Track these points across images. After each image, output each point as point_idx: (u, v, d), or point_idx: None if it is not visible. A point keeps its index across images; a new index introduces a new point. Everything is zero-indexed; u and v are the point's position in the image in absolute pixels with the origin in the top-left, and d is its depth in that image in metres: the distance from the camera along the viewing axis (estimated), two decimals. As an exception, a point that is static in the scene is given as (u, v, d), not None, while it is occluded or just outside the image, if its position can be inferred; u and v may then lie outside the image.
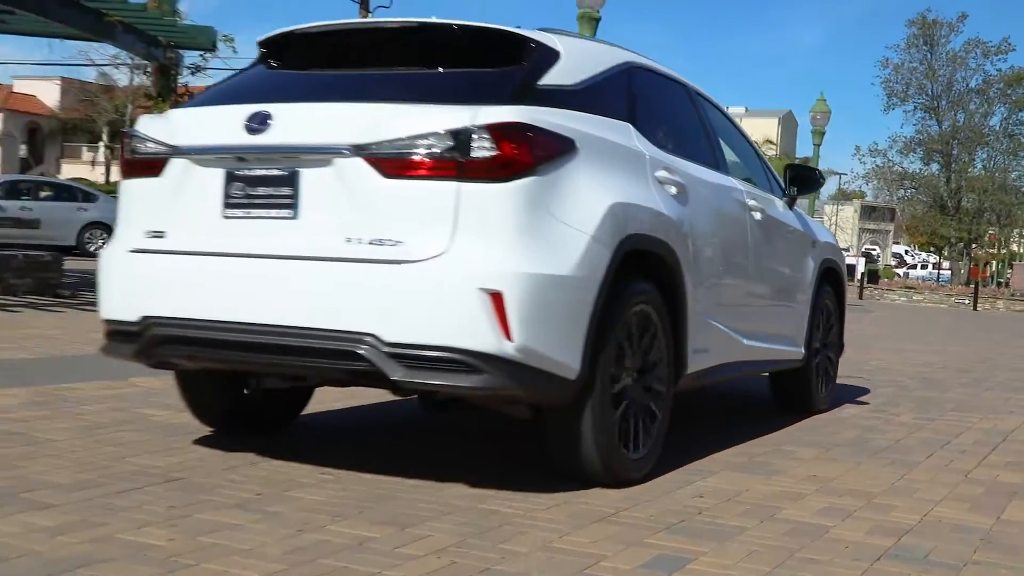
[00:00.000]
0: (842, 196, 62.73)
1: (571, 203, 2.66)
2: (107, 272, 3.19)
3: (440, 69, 2.87)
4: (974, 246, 39.31)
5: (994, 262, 49.80)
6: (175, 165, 3.03)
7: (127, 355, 3.13)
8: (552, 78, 2.92)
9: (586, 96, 3.02)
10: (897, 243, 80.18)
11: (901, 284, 30.75)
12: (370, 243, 2.65)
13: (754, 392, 6.03)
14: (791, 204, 4.86)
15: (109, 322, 3.19)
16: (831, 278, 5.30)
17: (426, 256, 2.58)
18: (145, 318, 3.03)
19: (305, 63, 3.26)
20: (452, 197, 2.55)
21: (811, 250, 5.01)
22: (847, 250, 64.48)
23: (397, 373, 2.62)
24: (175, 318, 2.95)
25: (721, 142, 4.16)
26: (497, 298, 2.48)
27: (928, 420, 5.89)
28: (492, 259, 2.50)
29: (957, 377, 8.48)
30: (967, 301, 26.28)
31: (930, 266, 61.05)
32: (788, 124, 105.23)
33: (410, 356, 2.59)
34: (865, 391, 7.22)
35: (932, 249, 51.36)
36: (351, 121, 2.70)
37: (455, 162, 2.57)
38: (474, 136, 2.56)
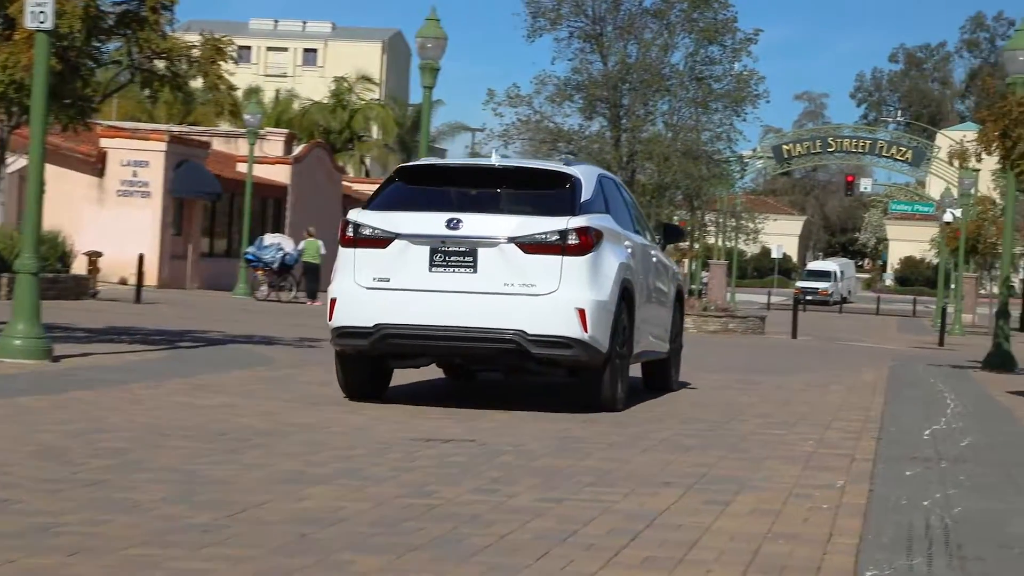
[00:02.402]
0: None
1: (606, 265, 10.37)
2: (346, 297, 10.49)
3: (530, 191, 10.80)
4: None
5: (685, 261, 54.84)
6: (397, 243, 10.39)
7: (362, 348, 10.50)
8: (582, 195, 10.51)
9: (594, 203, 10.59)
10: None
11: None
12: (518, 286, 10.19)
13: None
14: (663, 249, 12.71)
15: (346, 327, 10.42)
16: (680, 297, 13.36)
17: (547, 292, 10.13)
18: (378, 324, 10.31)
19: (444, 181, 11.23)
20: (558, 263, 10.15)
21: (672, 278, 12.87)
22: None
23: (535, 349, 10.13)
24: (400, 323, 10.35)
25: (631, 209, 11.59)
26: (582, 312, 10.11)
27: (554, 502, 6.28)
28: (578, 294, 10.14)
29: (606, 434, 9.25)
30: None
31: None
32: (397, 51, 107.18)
33: (540, 341, 10.10)
34: (476, 460, 7.70)
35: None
36: (505, 224, 10.24)
37: (559, 246, 10.15)
38: (568, 233, 10.18)
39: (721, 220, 59.93)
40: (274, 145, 46.96)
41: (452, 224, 10.31)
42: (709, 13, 36.65)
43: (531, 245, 10.26)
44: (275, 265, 35.90)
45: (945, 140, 63.97)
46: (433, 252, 10.36)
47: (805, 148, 67.28)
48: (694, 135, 37.90)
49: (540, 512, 6.04)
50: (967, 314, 48.41)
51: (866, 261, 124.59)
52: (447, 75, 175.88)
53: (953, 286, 50.68)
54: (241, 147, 42.75)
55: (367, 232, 10.51)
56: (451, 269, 10.36)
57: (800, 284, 77.64)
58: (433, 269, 10.37)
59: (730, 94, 37.34)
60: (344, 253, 10.68)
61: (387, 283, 10.44)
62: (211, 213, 41.84)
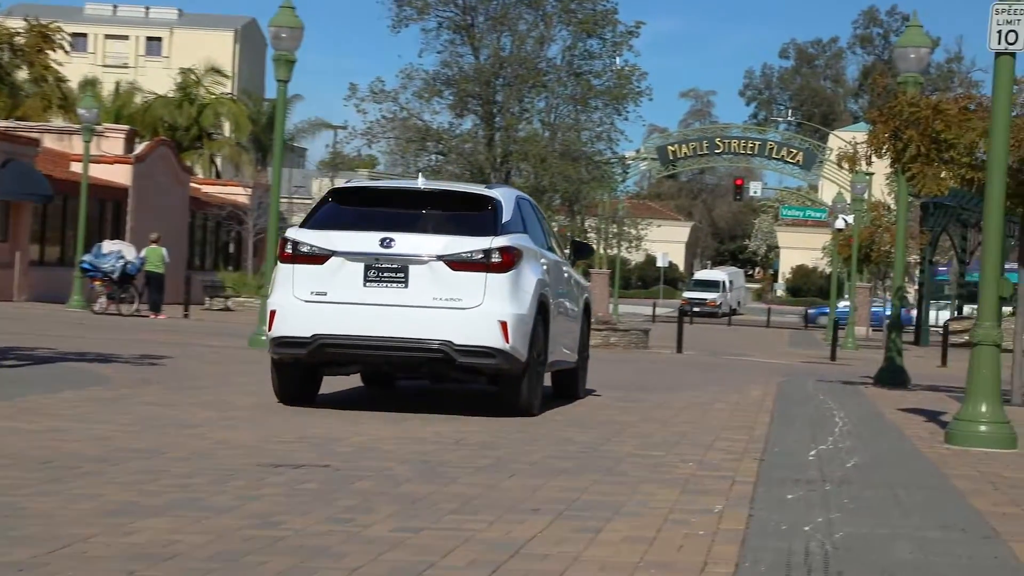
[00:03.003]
0: (339, 163, 65.52)
1: (525, 281, 12.24)
2: (286, 310, 12.20)
3: (456, 212, 12.56)
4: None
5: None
6: (334, 260, 12.17)
7: (299, 356, 12.24)
8: (503, 217, 12.43)
9: (513, 223, 12.52)
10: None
11: None
12: (446, 300, 11.98)
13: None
14: (572, 265, 14.90)
15: (285, 337, 12.16)
16: (587, 310, 15.22)
17: (473, 306, 11.96)
18: (316, 335, 12.04)
19: (374, 202, 12.96)
20: (483, 279, 12.00)
21: (581, 292, 15.04)
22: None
23: (461, 358, 11.95)
24: (337, 334, 12.09)
25: (545, 228, 14.03)
26: (504, 324, 11.93)
27: (412, 532, 6.28)
28: (501, 308, 11.99)
29: (475, 457, 9.31)
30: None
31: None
32: (251, 41, 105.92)
33: (466, 351, 11.92)
34: (330, 487, 7.71)
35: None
36: (434, 243, 12.08)
37: (484, 264, 12.01)
38: (492, 252, 12.03)
39: (603, 226, 60.50)
40: (113, 143, 46.21)
41: (385, 243, 12.14)
42: (588, 4, 36.90)
43: (458, 263, 12.14)
44: (115, 275, 35.33)
45: (838, 141, 65.35)
46: (367, 268, 12.20)
47: (691, 149, 68.38)
48: (573, 134, 38.06)
49: (397, 543, 6.05)
50: (860, 327, 49.58)
51: (756, 270, 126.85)
52: (306, 68, 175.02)
53: (847, 296, 51.85)
54: (76, 145, 41.99)
55: (305, 249, 12.31)
56: (384, 284, 12.18)
57: (687, 295, 78.82)
58: (367, 284, 12.19)
59: (611, 91, 37.67)
60: (283, 268, 12.50)
61: (324, 296, 12.23)
62: (42, 217, 41.02)
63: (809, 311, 69.82)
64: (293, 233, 12.50)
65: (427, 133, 37.22)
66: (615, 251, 63.67)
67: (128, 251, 36.06)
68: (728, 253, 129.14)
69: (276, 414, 11.74)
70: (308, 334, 12.10)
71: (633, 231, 70.09)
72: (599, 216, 59.45)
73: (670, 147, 68.47)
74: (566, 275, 14.33)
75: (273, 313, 12.32)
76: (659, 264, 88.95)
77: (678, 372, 22.78)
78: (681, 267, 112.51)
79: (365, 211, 12.71)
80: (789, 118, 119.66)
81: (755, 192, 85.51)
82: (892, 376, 20.82)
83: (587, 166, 38.40)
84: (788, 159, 67.55)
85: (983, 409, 11.46)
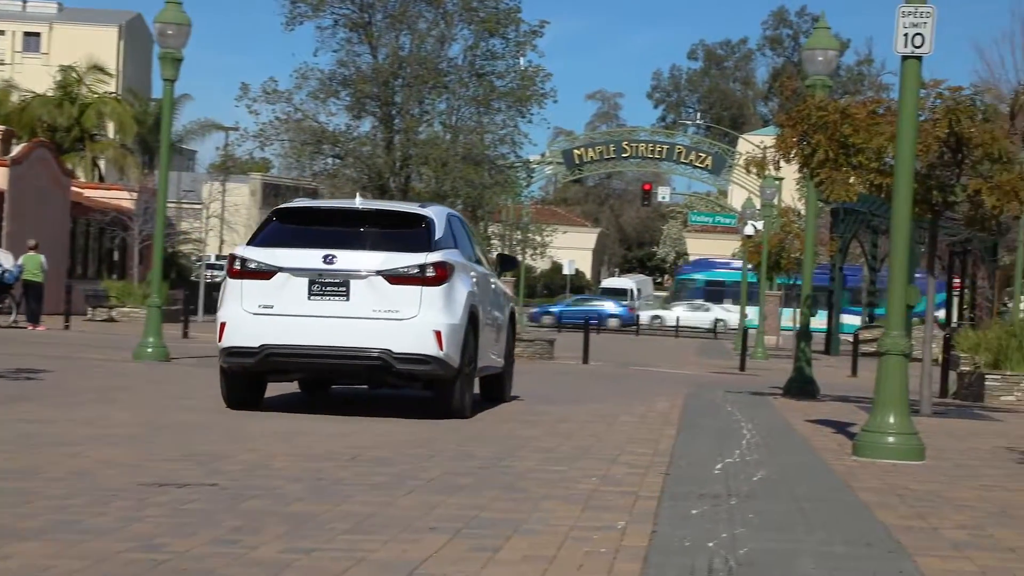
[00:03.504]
0: (231, 166, 64.86)
1: (457, 293, 13.81)
2: (235, 322, 13.69)
3: (393, 229, 14.20)
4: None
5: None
6: (280, 275, 13.67)
7: (248, 366, 13.84)
8: (436, 233, 14.06)
9: (445, 239, 14.15)
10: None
11: None
12: (384, 312, 13.57)
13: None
14: (499, 276, 17.08)
15: (234, 347, 13.69)
16: (512, 318, 17.07)
17: (410, 317, 13.55)
18: (264, 345, 13.57)
19: (315, 221, 14.60)
20: (419, 292, 13.58)
21: (507, 302, 16.81)
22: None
23: (399, 365, 13.54)
24: (283, 344, 13.62)
25: (472, 243, 15.54)
26: (438, 333, 13.51)
27: (302, 553, 6.29)
28: (435, 318, 13.57)
29: (370, 473, 9.33)
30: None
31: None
32: (137, 37, 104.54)
33: (404, 358, 13.51)
34: (217, 507, 7.64)
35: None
36: (373, 259, 13.67)
37: (419, 278, 13.60)
38: (427, 267, 13.63)
39: (507, 233, 60.69)
40: (-11, 144, 45.46)
41: (328, 259, 13.69)
42: (490, 2, 36.93)
43: (395, 277, 13.68)
44: (-10, 284, 34.73)
45: (747, 145, 66.18)
46: (311, 283, 13.72)
47: (598, 153, 68.88)
48: (475, 137, 38.06)
49: (285, 565, 6.05)
50: (770, 336, 50.19)
51: (665, 278, 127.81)
52: (195, 66, 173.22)
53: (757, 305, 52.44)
54: (-52, 146, 41.26)
55: (253, 266, 13.83)
56: (327, 297, 13.71)
57: (594, 303, 79.04)
58: (312, 297, 13.72)
59: (514, 92, 37.76)
60: (232, 283, 13.97)
61: (271, 309, 13.73)
62: (-88, 223, 40.21)
63: (533, 311, 70.08)
64: (241, 251, 14.06)
65: (323, 135, 37.01)
66: (520, 258, 63.84)
67: (5, 259, 35.50)
68: (636, 260, 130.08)
69: (161, 431, 11.65)
70: (256, 344, 13.65)
71: (538, 238, 70.48)
72: (503, 222, 59.60)
73: (576, 151, 68.89)
74: (493, 286, 16.00)
75: (223, 325, 13.81)
76: (565, 272, 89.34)
77: (583, 383, 22.92)
78: (588, 275, 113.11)
79: (308, 230, 14.32)
80: (698, 121, 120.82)
81: (663, 197, 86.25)
82: (801, 386, 21.11)
83: (490, 170, 38.40)
84: (697, 163, 68.29)
85: (891, 420, 11.68)
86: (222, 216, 58.81)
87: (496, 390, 16.65)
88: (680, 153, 68.71)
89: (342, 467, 9.63)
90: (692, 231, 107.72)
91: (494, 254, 23.93)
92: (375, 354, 13.54)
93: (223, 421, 12.79)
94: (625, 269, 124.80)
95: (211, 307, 50.25)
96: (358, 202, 15.04)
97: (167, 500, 7.80)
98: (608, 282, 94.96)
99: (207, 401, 14.85)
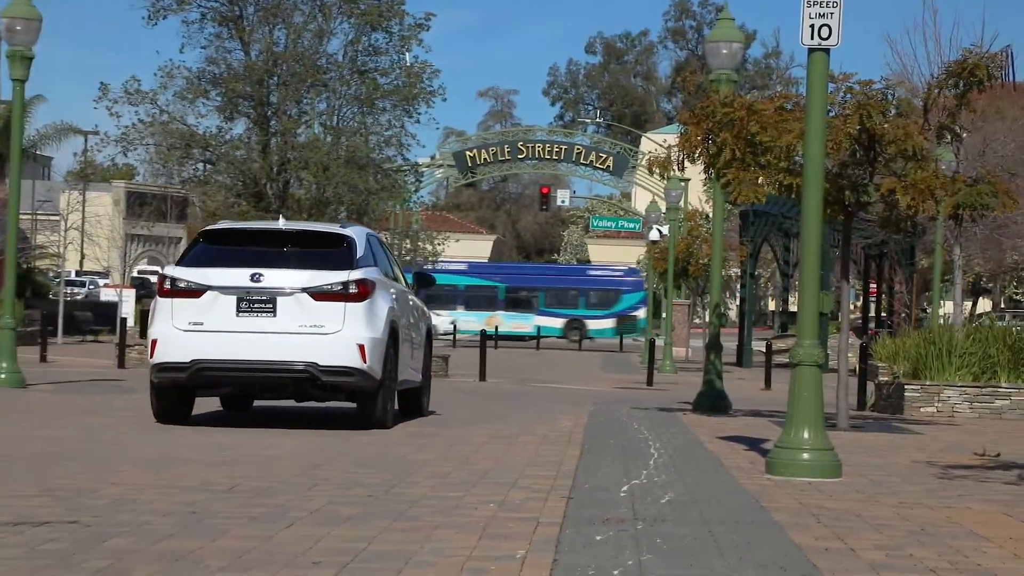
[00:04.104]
0: (91, 174, 63.94)
1: (378, 308, 15.69)
2: (166, 338, 15.38)
3: (316, 249, 16.13)
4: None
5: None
6: (209, 294, 15.46)
7: (179, 381, 15.62)
8: (358, 252, 15.95)
9: (366, 258, 16.10)
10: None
11: None
12: (310, 327, 15.33)
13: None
14: (416, 293, 18.54)
15: (166, 363, 15.38)
16: (429, 335, 19.13)
17: (334, 331, 15.33)
18: (194, 360, 15.29)
19: (242, 242, 16.38)
20: (342, 308, 15.41)
21: (424, 319, 18.90)
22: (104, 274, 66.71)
23: (324, 377, 15.36)
24: (213, 359, 15.37)
25: (391, 261, 17.68)
26: (361, 347, 15.34)
27: (174, 594, 6.33)
28: (358, 332, 15.39)
29: (249, 505, 9.26)
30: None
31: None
32: None
33: (329, 371, 15.33)
34: (79, 546, 7.50)
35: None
36: (298, 277, 15.47)
37: (343, 294, 15.44)
38: (350, 283, 15.48)
39: (395, 241, 60.60)
40: None
41: (255, 278, 15.36)
42: (379, -9, 36.94)
43: (320, 294, 15.38)
44: None
45: (650, 145, 66.77)
46: (240, 300, 15.39)
47: (492, 154, 69.09)
48: (359, 139, 38.09)
49: (156, 607, 5.97)
50: (679, 348, 50.61)
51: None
52: (48, 65, 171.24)
53: (664, 315, 52.86)
54: None
55: (183, 284, 15.47)
56: (255, 314, 15.40)
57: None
58: (240, 314, 15.38)
59: (400, 90, 37.80)
60: (162, 302, 15.59)
61: (201, 326, 15.36)
62: None
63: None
64: (170, 271, 15.85)
65: (192, 139, 36.76)
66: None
67: None
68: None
69: (15, 464, 11.47)
70: (187, 359, 15.28)
71: (429, 246, 70.40)
72: (391, 230, 59.52)
73: (468, 152, 69.06)
74: (411, 303, 17.88)
75: (155, 342, 15.42)
76: (421, 272, 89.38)
77: (481, 402, 22.93)
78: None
79: (234, 250, 15.97)
80: (598, 120, 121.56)
81: (563, 201, 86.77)
82: (712, 401, 21.31)
83: (375, 175, 38.41)
84: (598, 165, 68.76)
85: (805, 435, 11.83)
86: (82, 228, 58.00)
87: (414, 404, 18.37)
88: (580, 154, 69.14)
89: (218, 499, 9.55)
90: (594, 237, 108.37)
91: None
92: (301, 367, 15.28)
93: (86, 451, 12.62)
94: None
95: (71, 328, 49.73)
96: (282, 223, 16.99)
97: (22, 541, 7.68)
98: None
99: (68, 430, 14.66)
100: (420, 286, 18.98)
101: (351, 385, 15.54)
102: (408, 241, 63.76)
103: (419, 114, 38.29)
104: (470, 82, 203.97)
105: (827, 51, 12.06)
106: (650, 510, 9.45)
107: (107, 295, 50.55)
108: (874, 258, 52.92)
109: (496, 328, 63.23)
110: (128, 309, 44.81)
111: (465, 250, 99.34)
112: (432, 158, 69.12)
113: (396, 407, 17.05)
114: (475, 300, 72.68)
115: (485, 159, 69.10)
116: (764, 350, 37.54)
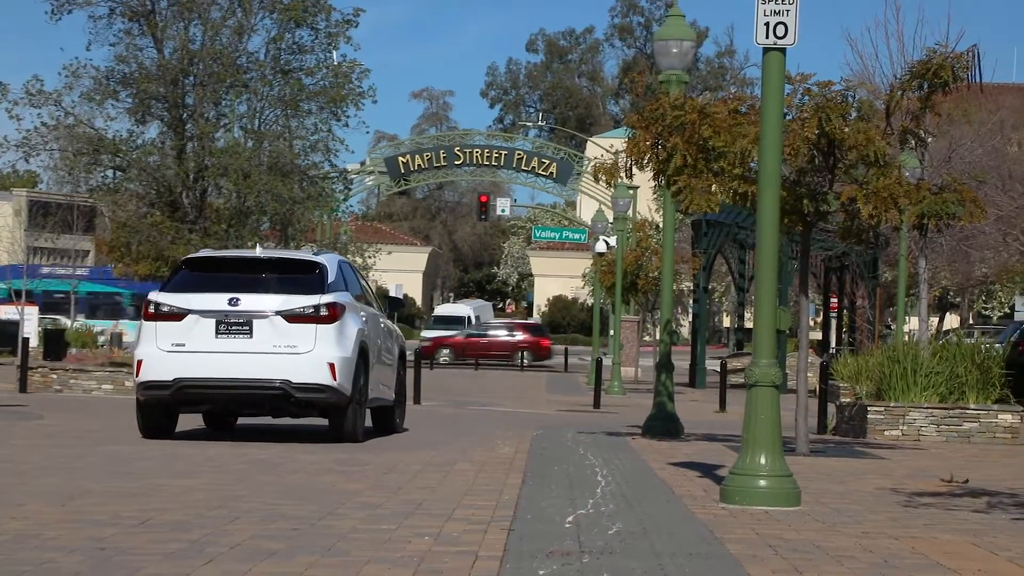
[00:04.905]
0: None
1: (348, 330, 18.26)
2: (150, 359, 18.03)
3: (290, 275, 18.91)
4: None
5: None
6: (190, 317, 18.08)
7: (163, 398, 18.21)
8: (329, 278, 18.57)
9: (337, 283, 18.69)
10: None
11: (106, 359, 33.09)
12: (284, 347, 17.91)
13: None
14: (390, 317, 21.96)
15: (151, 382, 17.99)
16: (403, 355, 22.10)
17: (306, 351, 17.87)
18: (177, 379, 17.88)
19: (221, 269, 19.31)
20: (314, 330, 17.99)
21: (396, 340, 21.66)
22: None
23: (298, 394, 17.91)
24: (194, 377, 17.92)
25: (363, 287, 20.71)
26: (332, 365, 17.83)
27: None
28: (329, 352, 17.91)
29: (164, 540, 9.21)
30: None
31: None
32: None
33: (302, 387, 17.91)
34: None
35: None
36: (273, 301, 18.15)
37: (314, 317, 18.03)
38: (321, 307, 18.07)
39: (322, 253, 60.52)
40: None
41: (232, 302, 17.79)
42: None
43: (293, 316, 17.81)
44: None
45: (596, 150, 66.94)
46: (218, 323, 17.78)
47: (426, 160, 69.14)
48: (283, 144, 37.83)
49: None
50: (628, 367, 50.78)
51: (508, 303, 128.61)
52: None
53: (612, 333, 53.02)
54: None
55: (166, 309, 17.93)
56: (233, 335, 17.76)
57: (426, 333, 79.14)
58: (219, 336, 17.77)
59: (327, 92, 37.65)
60: (147, 325, 18.08)
61: (183, 347, 17.76)
62: None
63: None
64: (154, 296, 18.22)
65: (100, 143, 36.38)
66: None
67: None
68: (474, 283, 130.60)
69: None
70: (170, 378, 17.68)
71: (359, 259, 70.21)
72: (318, 242, 59.28)
73: (401, 158, 69.06)
74: (382, 325, 20.36)
75: (140, 362, 17.93)
76: (392, 296, 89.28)
77: (415, 427, 22.91)
78: (419, 300, 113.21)
79: (214, 276, 18.55)
80: (540, 123, 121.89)
81: (503, 210, 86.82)
82: (663, 425, 21.38)
83: (301, 182, 38.17)
84: (540, 171, 68.92)
85: (762, 461, 11.90)
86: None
87: (387, 421, 20.86)
88: (521, 159, 69.31)
89: (129, 534, 9.50)
90: (537, 248, 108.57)
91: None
92: (276, 384, 17.67)
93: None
94: (461, 293, 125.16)
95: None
96: (259, 251, 20.10)
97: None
98: (441, 309, 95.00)
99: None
100: (392, 310, 22.09)
101: (323, 401, 17.95)
102: (336, 253, 63.74)
103: (348, 117, 38.11)
104: (403, 83, 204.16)
105: (783, 51, 12.15)
106: (597, 542, 9.48)
107: (7, 312, 50.05)
108: (835, 271, 53.27)
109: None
110: (31, 328, 44.39)
111: (398, 263, 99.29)
112: (362, 164, 69.02)
113: (370, 425, 19.74)
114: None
115: (419, 165, 69.12)
116: (718, 370, 37.72)
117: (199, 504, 11.26)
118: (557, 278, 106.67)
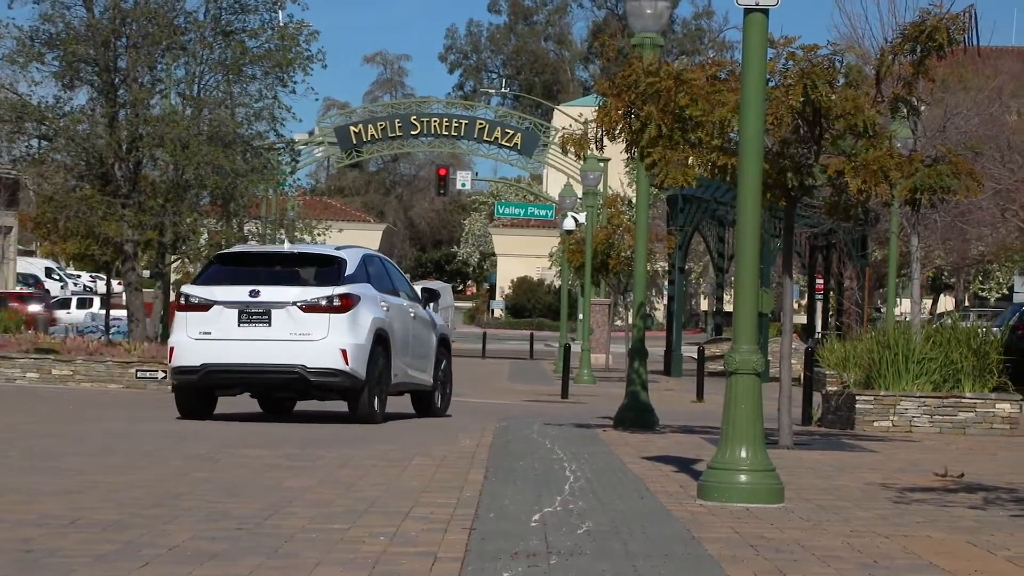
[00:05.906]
0: None
1: (363, 318, 21.80)
2: (181, 346, 22.06)
3: (310, 268, 22.76)
4: (176, 258, 41.72)
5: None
6: (215, 308, 21.98)
7: (192, 382, 22.12)
8: (347, 271, 22.24)
9: (357, 276, 22.38)
10: (31, 254, 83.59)
11: (31, 344, 32.91)
12: (300, 335, 21.57)
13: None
14: (424, 306, 25.08)
15: (181, 367, 22.03)
16: (444, 342, 25.72)
17: (320, 338, 21.47)
18: (204, 364, 21.76)
19: (247, 263, 23.44)
20: (327, 318, 21.58)
21: (434, 328, 25.27)
22: None
23: (313, 378, 21.60)
24: (219, 363, 21.80)
25: (395, 280, 24.75)
26: (344, 351, 21.37)
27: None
28: (341, 339, 21.45)
29: (96, 541, 9.23)
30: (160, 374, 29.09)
31: (98, 302, 65.50)
32: None
33: (317, 372, 21.57)
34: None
35: (95, 267, 53.97)
36: (290, 293, 21.86)
37: (328, 306, 21.65)
38: (334, 297, 21.66)
39: (268, 231, 60.25)
40: None
41: (253, 294, 21.03)
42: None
43: (308, 306, 20.97)
44: None
45: (564, 119, 66.90)
46: (240, 313, 21.08)
47: (380, 130, 68.95)
48: (224, 112, 37.72)
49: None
50: (598, 354, 50.87)
51: (468, 284, 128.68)
52: None
53: (581, 317, 53.08)
54: None
55: (195, 300, 21.42)
56: (253, 324, 21.04)
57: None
58: (241, 325, 21.06)
59: (272, 55, 37.56)
60: (179, 315, 21.79)
61: (209, 335, 21.09)
62: None
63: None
64: (186, 289, 22.29)
65: (24, 110, 36.22)
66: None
67: None
68: (432, 263, 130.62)
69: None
70: (198, 363, 21.09)
71: (308, 237, 70.03)
72: (263, 218, 59.12)
73: (352, 128, 68.82)
74: (412, 314, 23.33)
75: (172, 349, 21.55)
76: (430, 288, 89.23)
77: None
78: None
79: (240, 270, 21.92)
80: (504, 90, 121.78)
81: (463, 184, 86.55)
82: (636, 416, 21.43)
83: (244, 153, 38.02)
84: (504, 142, 68.83)
85: (742, 454, 11.94)
86: None
87: (425, 405, 24.04)
88: (482, 129, 69.15)
89: (58, 534, 9.49)
90: (499, 225, 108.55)
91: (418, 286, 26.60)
92: (294, 369, 20.86)
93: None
94: (418, 274, 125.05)
95: None
96: (286, 247, 24.23)
97: None
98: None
99: None
100: (428, 301, 24.56)
101: (337, 385, 21.12)
102: (283, 231, 63.41)
103: (295, 83, 38.02)
104: (354, 46, 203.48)
105: (766, 11, 12.17)
106: (565, 542, 9.50)
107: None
108: (820, 250, 53.42)
109: None
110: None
111: (350, 241, 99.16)
112: (310, 134, 68.82)
113: (411, 408, 23.76)
114: None
115: (372, 135, 68.87)
116: (696, 356, 37.82)
117: (133, 503, 11.24)
118: (522, 258, 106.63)
